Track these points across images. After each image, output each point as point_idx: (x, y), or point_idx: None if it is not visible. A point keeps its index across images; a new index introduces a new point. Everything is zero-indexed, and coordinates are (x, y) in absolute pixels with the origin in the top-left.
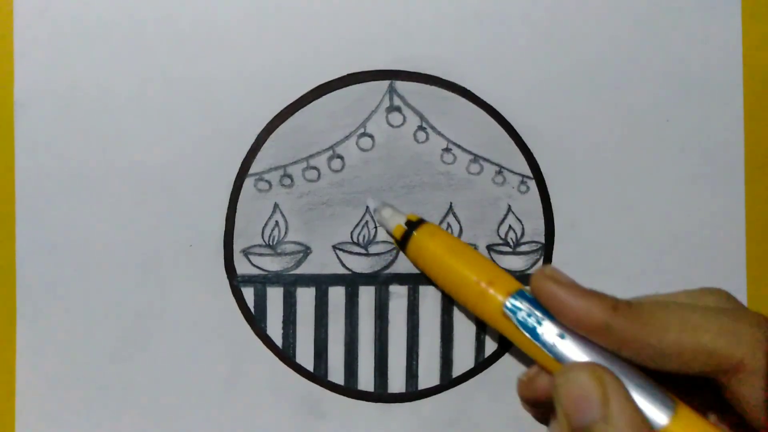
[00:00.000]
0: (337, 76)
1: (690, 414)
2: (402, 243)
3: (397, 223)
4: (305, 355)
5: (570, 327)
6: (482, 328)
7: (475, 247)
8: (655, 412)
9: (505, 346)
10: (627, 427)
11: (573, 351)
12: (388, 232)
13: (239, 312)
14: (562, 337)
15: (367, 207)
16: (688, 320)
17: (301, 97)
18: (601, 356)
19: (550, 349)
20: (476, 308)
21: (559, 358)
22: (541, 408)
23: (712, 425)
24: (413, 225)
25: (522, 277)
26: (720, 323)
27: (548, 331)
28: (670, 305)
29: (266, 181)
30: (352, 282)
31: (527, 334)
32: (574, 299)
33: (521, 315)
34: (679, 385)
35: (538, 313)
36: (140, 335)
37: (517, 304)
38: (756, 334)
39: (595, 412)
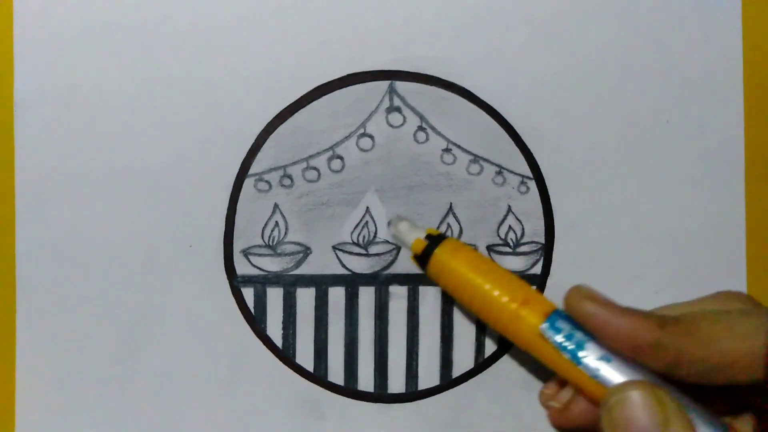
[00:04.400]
0: (337, 76)
1: None
2: (422, 260)
3: (416, 237)
4: (305, 356)
5: (615, 348)
6: (482, 329)
7: (475, 247)
8: None
9: (505, 347)
10: None
11: (618, 374)
12: (405, 247)
13: (239, 312)
14: (607, 360)
15: (367, 207)
16: (735, 328)
17: (301, 97)
18: (648, 379)
19: (594, 373)
20: (507, 330)
21: (603, 383)
22: None
23: None
24: (434, 240)
25: (523, 277)
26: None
27: (592, 353)
28: (712, 315)
29: (266, 181)
30: (352, 282)
31: (569, 358)
32: (618, 318)
33: (560, 337)
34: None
35: (580, 335)
36: (140, 335)
37: (556, 325)
38: None
39: None
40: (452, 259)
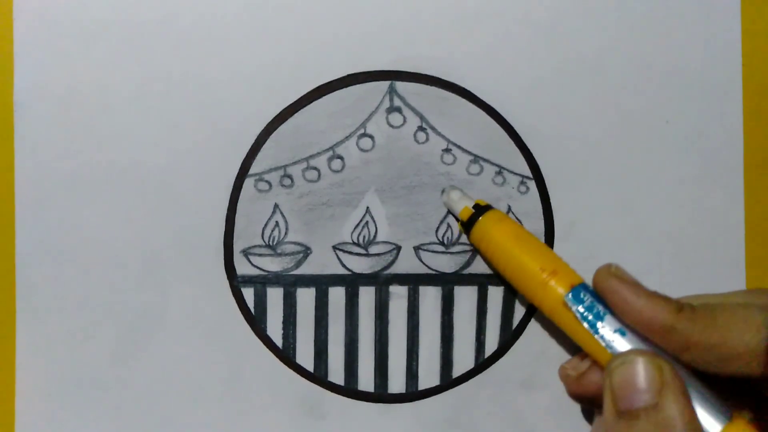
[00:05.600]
0: (337, 76)
1: (746, 426)
2: (467, 226)
3: (464, 205)
4: (305, 356)
5: (632, 326)
6: (482, 329)
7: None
8: (708, 418)
9: (506, 347)
10: (679, 419)
11: (630, 347)
12: (454, 215)
13: (239, 312)
14: (622, 333)
15: (368, 207)
16: (751, 320)
17: (301, 97)
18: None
19: (608, 344)
20: (535, 297)
21: (615, 353)
22: (587, 404)
23: None
24: (480, 210)
25: None
26: None
27: (609, 326)
28: (731, 306)
29: (266, 181)
30: (352, 282)
31: (587, 327)
32: (638, 299)
33: (582, 308)
34: (733, 397)
35: (600, 308)
36: (140, 335)
37: (580, 296)
38: None
39: (647, 398)
40: (493, 227)
